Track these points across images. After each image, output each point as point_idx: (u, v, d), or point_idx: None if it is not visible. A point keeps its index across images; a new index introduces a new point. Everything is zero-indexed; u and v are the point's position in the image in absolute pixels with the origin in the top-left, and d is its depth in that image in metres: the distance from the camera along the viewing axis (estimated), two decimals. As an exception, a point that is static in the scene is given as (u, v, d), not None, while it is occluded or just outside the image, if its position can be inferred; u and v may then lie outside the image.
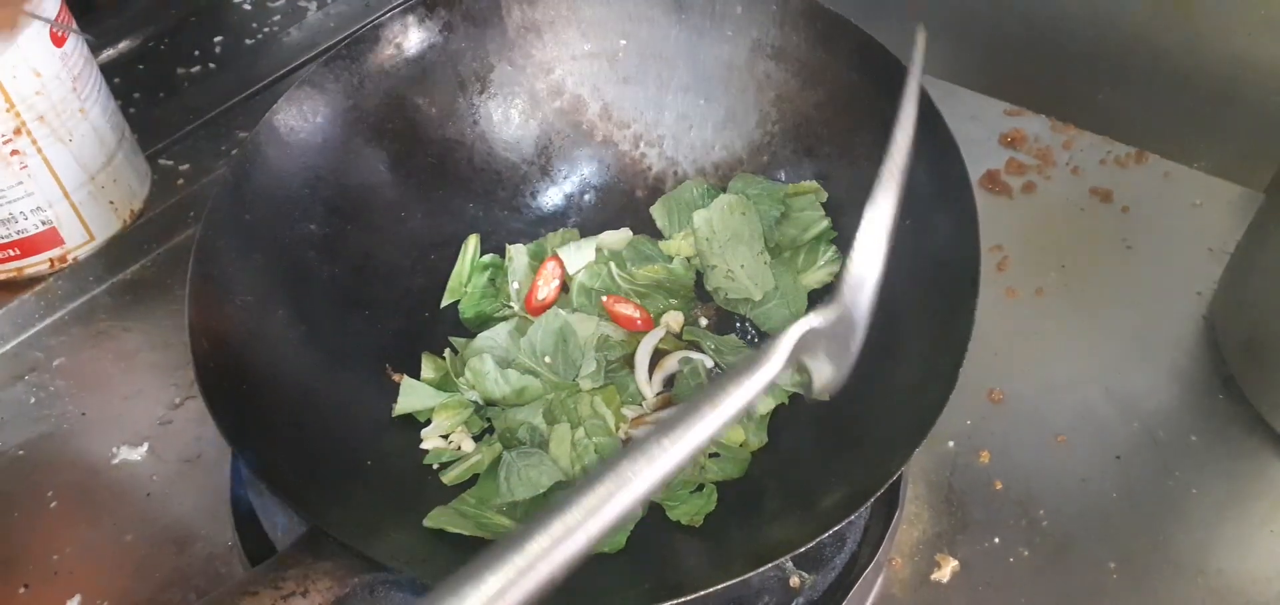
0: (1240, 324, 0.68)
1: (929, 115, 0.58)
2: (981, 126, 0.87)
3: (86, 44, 0.76)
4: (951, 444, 0.66)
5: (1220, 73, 0.85)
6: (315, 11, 1.06)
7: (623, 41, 0.71)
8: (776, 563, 0.47)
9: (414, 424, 0.63)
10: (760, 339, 0.66)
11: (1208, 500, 0.62)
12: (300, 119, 0.65)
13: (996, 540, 0.61)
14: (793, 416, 0.61)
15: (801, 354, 0.42)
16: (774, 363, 0.40)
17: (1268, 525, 0.61)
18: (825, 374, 0.45)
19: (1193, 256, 0.75)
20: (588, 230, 0.71)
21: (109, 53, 1.02)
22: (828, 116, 0.66)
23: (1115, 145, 0.84)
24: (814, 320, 0.43)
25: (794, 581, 0.54)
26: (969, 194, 0.55)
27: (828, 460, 0.56)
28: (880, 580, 0.59)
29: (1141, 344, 0.71)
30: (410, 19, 0.68)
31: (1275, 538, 0.61)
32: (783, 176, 0.69)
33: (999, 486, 0.63)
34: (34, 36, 0.70)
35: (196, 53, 1.02)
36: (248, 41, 1.04)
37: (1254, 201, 0.76)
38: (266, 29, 1.05)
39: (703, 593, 0.46)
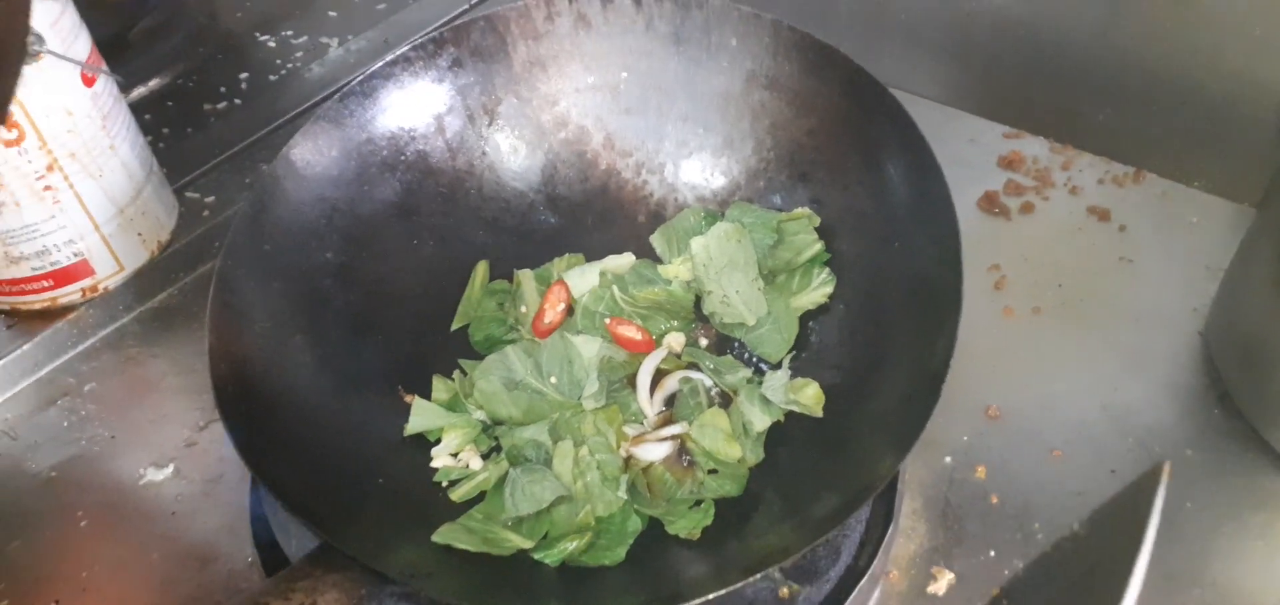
0: (1234, 340, 0.68)
1: (913, 138, 0.60)
2: (980, 149, 0.88)
3: (116, 83, 0.79)
4: (948, 459, 0.67)
5: (1216, 93, 0.86)
6: (336, 48, 1.10)
7: (624, 74, 0.73)
8: (767, 572, 0.49)
9: (425, 443, 0.65)
10: (757, 360, 0.68)
11: (1203, 514, 0.63)
12: (316, 153, 0.68)
13: (992, 553, 0.62)
14: (787, 432, 0.63)
15: None
16: None
17: (1263, 538, 0.62)
18: None
19: (1189, 274, 0.76)
20: (592, 255, 0.73)
21: (140, 91, 1.06)
22: (820, 143, 0.68)
23: (1113, 165, 0.86)
24: None
25: (783, 592, 0.55)
26: (951, 214, 0.56)
27: (820, 472, 0.58)
28: (876, 593, 0.61)
29: (1138, 360, 0.72)
30: (421, 55, 0.71)
31: (1270, 551, 0.61)
32: (778, 201, 0.71)
33: (995, 501, 0.65)
34: (65, 77, 0.73)
35: (222, 89, 1.06)
36: (272, 78, 1.08)
37: (1249, 218, 0.77)
38: (289, 65, 1.09)
39: (697, 601, 0.48)
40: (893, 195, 0.63)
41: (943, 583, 0.61)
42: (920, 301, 0.57)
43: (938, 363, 0.51)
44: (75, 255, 0.80)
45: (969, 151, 0.89)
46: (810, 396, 0.63)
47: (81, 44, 0.76)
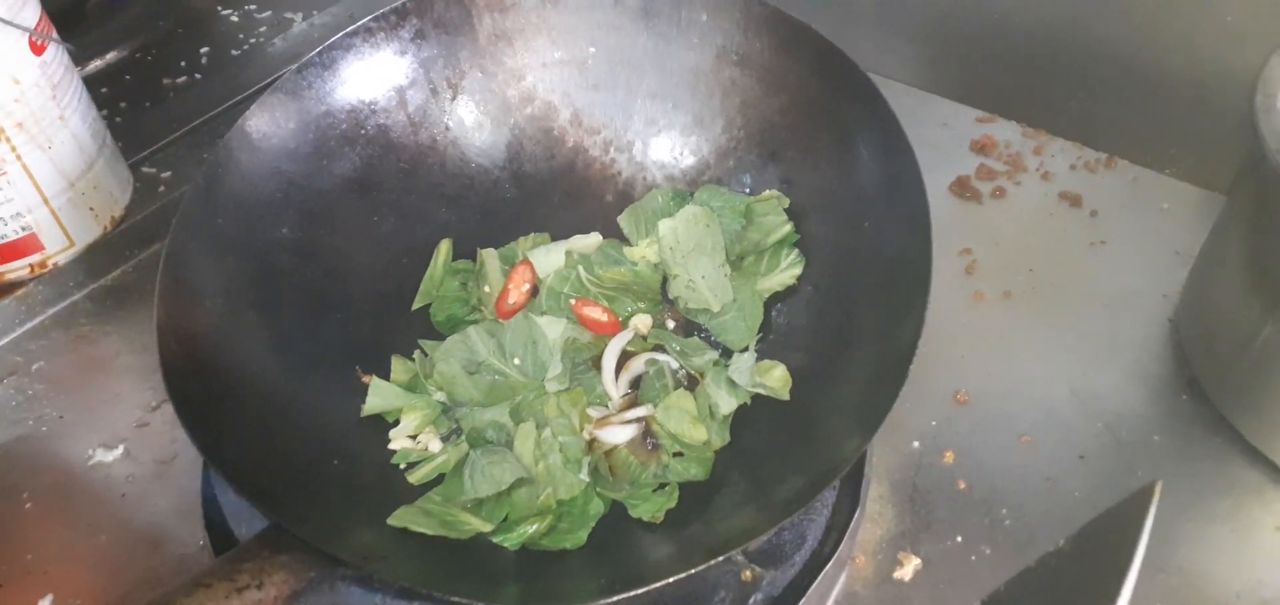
0: (1203, 326, 0.68)
1: (885, 119, 0.59)
2: (952, 133, 0.88)
3: (67, 53, 0.77)
4: (916, 444, 0.66)
5: (1188, 80, 0.86)
6: (301, 23, 1.08)
7: (592, 49, 0.72)
8: (730, 555, 0.48)
9: (383, 425, 0.63)
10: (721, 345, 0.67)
11: (1170, 499, 0.62)
12: (272, 125, 0.66)
13: (959, 539, 0.62)
14: (753, 415, 0.62)
15: None
16: None
17: (1229, 523, 0.62)
18: None
19: (1160, 260, 0.76)
20: (558, 234, 0.72)
21: (97, 63, 1.03)
22: (791, 121, 0.67)
23: (1085, 151, 0.85)
24: None
25: (746, 575, 0.54)
26: (922, 194, 0.55)
27: (785, 455, 0.57)
28: (842, 577, 0.60)
29: (1108, 346, 0.71)
30: (383, 26, 0.69)
31: (1236, 536, 0.61)
32: (748, 181, 0.70)
33: (963, 486, 0.64)
34: (13, 45, 0.71)
35: (183, 63, 1.03)
36: (234, 52, 1.05)
37: (1218, 205, 0.77)
38: (253, 40, 1.07)
39: (658, 584, 0.47)
40: (864, 175, 0.62)
41: (909, 568, 0.60)
42: (889, 282, 0.56)
43: (905, 344, 0.50)
44: (23, 229, 0.77)
45: (941, 135, 0.88)
46: (777, 379, 0.62)
47: (30, 11, 0.73)
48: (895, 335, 0.53)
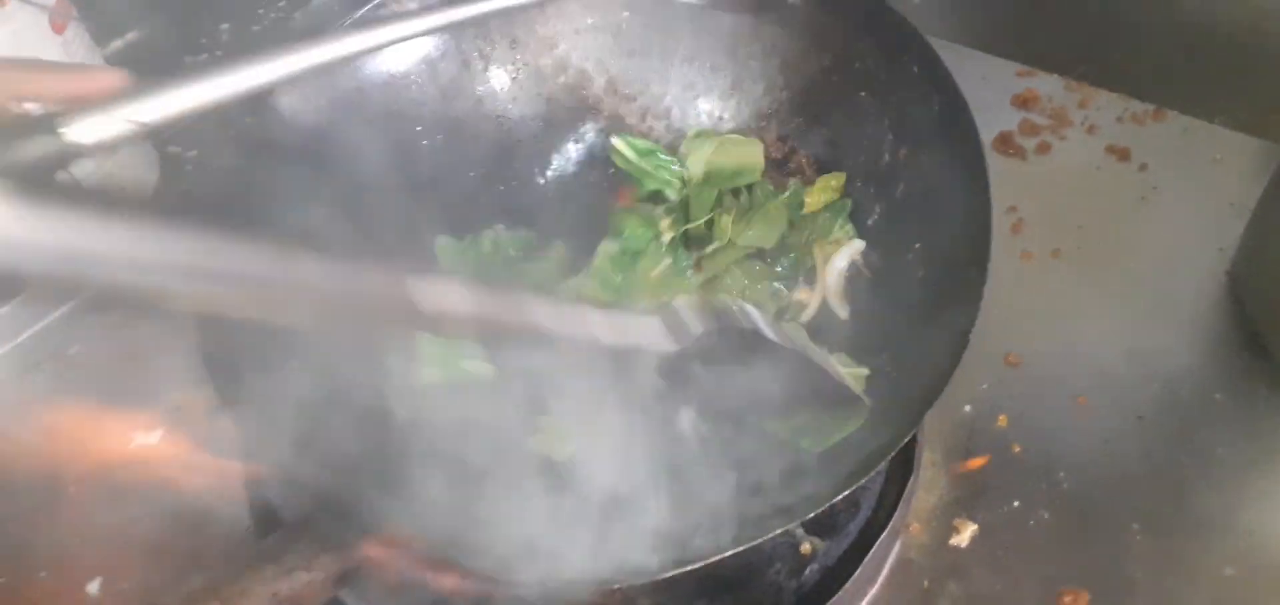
0: (1264, 279, 0.66)
1: (938, 75, 0.57)
2: (993, 88, 0.85)
3: (88, 33, 0.76)
4: (968, 408, 0.65)
5: (1239, 24, 0.83)
6: (320, -4, 1.06)
7: (626, 13, 0.70)
8: (788, 528, 0.46)
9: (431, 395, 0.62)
10: None
11: (1233, 459, 0.61)
12: (304, 102, 0.65)
13: (1016, 504, 0.60)
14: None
15: None
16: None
17: (1295, 482, 0.60)
18: None
19: (1214, 213, 0.74)
20: (594, 207, 0.70)
21: (116, 42, 1.02)
22: (836, 81, 0.65)
23: (1132, 103, 0.83)
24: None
25: (805, 548, 0.53)
26: (979, 153, 0.53)
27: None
28: (897, 545, 0.59)
29: (1163, 303, 0.69)
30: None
31: (1303, 494, 0.59)
32: (790, 143, 0.68)
33: (1017, 450, 0.63)
34: (33, 24, 0.70)
35: (203, 40, 1.02)
36: (254, 28, 1.03)
37: (1275, 155, 0.74)
38: (272, 15, 1.05)
39: (714, 558, 0.46)
40: (915, 135, 0.60)
41: (965, 535, 0.59)
42: (946, 247, 0.54)
43: (965, 311, 0.48)
44: (53, 213, 0.76)
45: (981, 91, 0.85)
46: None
47: (51, -11, 0.72)
48: (953, 300, 0.51)
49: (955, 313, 0.49)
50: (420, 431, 0.58)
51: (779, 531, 0.46)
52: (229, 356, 0.54)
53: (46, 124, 0.42)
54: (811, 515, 0.46)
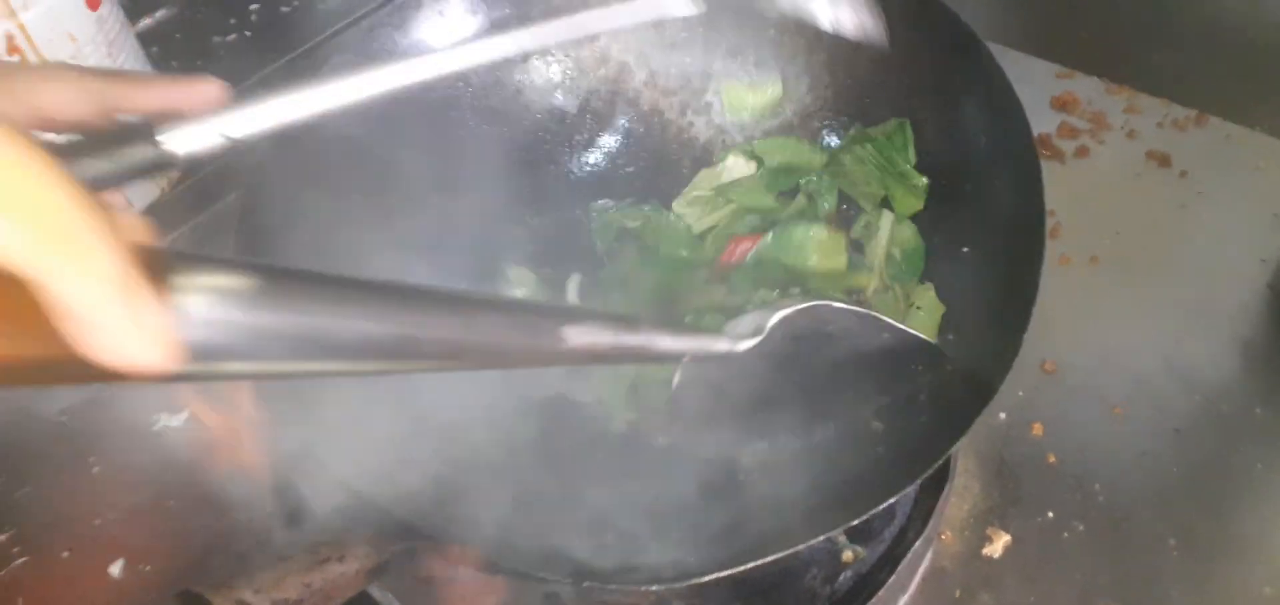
0: (1308, 293, 0.65)
1: (990, 75, 0.56)
2: (1031, 89, 0.83)
3: (121, 9, 0.75)
4: (1003, 416, 0.64)
5: (1285, 31, 0.81)
6: (351, -23, 1.05)
7: (668, 4, 0.69)
8: (831, 535, 0.45)
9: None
10: None
11: (1274, 476, 0.60)
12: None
13: (1050, 515, 0.59)
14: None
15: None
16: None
17: (1337, 501, 0.59)
18: None
19: (1256, 222, 0.73)
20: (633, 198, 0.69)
21: (145, 22, 1.01)
22: (883, 79, 0.64)
23: (1173, 108, 0.81)
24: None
25: (847, 556, 0.52)
26: (1033, 155, 0.52)
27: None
28: (930, 554, 0.58)
29: (1202, 314, 0.68)
30: (449, -16, 0.67)
31: (1345, 514, 0.58)
32: (835, 145, 0.67)
33: (1052, 460, 0.62)
34: (69, 1, 0.69)
35: (232, 21, 1.01)
36: (284, 9, 1.03)
37: (1321, 165, 0.73)
38: (302, -4, 1.04)
39: (761, 562, 0.45)
40: (965, 137, 0.58)
41: (999, 545, 0.58)
42: (996, 251, 0.53)
43: (1016, 318, 0.47)
44: (81, 191, 0.76)
45: (1019, 91, 0.83)
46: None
47: (85, -35, 0.71)
48: (1003, 307, 0.50)
49: (1006, 318, 0.48)
50: (464, 432, 0.58)
51: (839, 530, 0.45)
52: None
53: (145, 133, 0.41)
54: (870, 513, 0.45)
